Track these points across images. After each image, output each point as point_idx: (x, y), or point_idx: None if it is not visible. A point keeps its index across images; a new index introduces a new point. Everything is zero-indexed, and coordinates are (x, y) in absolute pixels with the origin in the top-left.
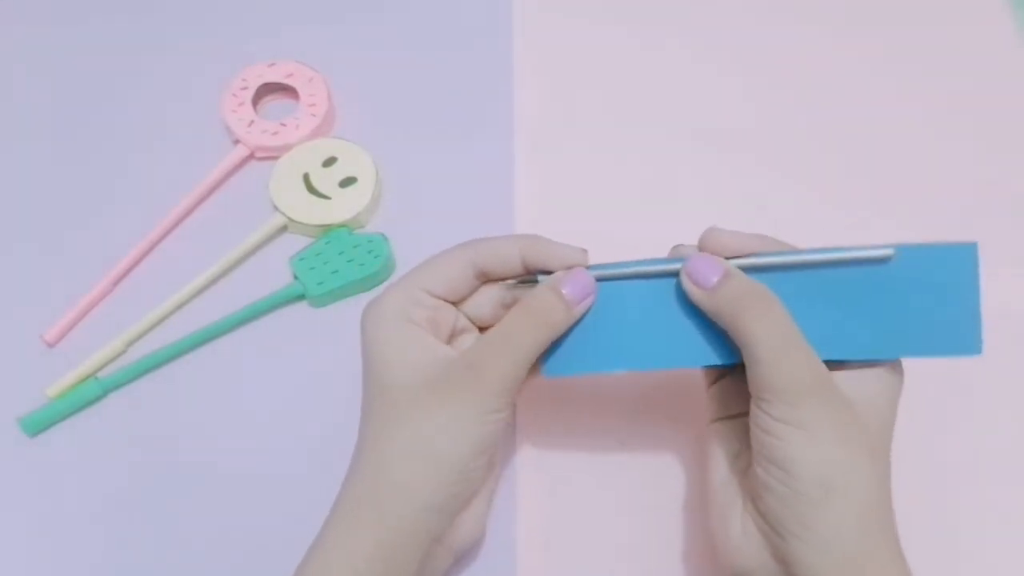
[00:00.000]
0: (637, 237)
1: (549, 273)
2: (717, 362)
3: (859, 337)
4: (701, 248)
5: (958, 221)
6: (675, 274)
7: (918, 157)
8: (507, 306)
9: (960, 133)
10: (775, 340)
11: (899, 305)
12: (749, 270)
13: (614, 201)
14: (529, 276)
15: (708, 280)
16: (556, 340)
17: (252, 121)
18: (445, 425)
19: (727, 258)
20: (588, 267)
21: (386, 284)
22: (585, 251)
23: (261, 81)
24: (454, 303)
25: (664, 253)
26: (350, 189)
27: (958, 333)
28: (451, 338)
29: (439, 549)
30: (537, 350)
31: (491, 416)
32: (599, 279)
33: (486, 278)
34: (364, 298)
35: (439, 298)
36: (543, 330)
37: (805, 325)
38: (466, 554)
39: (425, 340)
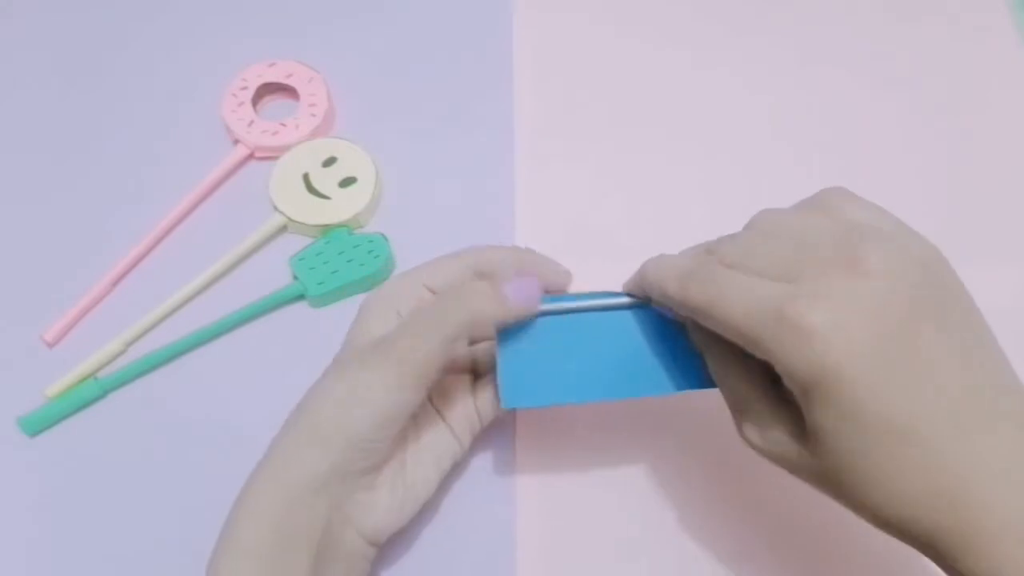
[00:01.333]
0: (637, 236)
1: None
2: (672, 391)
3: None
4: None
5: (959, 220)
6: (627, 307)
7: (918, 158)
8: None
9: (960, 133)
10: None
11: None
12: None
13: (614, 201)
14: None
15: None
16: (517, 371)
17: (252, 121)
18: (352, 389)
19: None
20: (552, 298)
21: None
22: (569, 272)
23: (261, 81)
24: None
25: (663, 251)
26: (350, 189)
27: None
28: None
29: (347, 531)
30: (454, 333)
31: (396, 393)
32: (557, 312)
33: None
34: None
35: (434, 293)
36: (464, 314)
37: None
38: (383, 545)
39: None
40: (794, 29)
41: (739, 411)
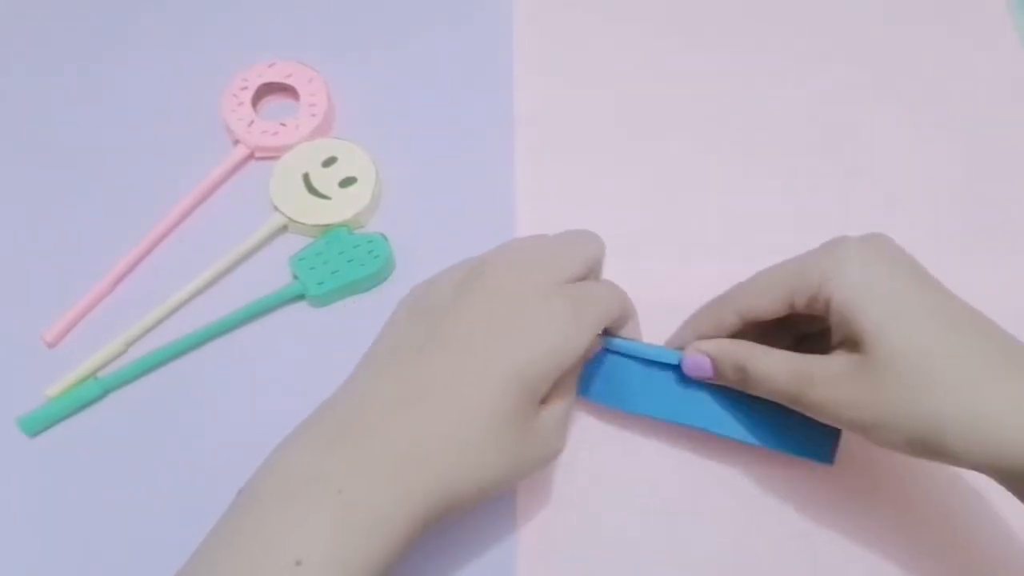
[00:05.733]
0: (637, 236)
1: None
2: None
3: (746, 423)
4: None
5: (958, 221)
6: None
7: (917, 159)
8: None
9: (960, 136)
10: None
11: (781, 414)
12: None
13: (614, 201)
14: None
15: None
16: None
17: (252, 121)
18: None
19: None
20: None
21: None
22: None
23: (261, 81)
24: None
25: (663, 255)
26: (350, 189)
27: (820, 446)
28: None
29: None
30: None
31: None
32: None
33: None
34: (364, 298)
35: None
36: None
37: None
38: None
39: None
40: (793, 29)
41: (803, 383)
